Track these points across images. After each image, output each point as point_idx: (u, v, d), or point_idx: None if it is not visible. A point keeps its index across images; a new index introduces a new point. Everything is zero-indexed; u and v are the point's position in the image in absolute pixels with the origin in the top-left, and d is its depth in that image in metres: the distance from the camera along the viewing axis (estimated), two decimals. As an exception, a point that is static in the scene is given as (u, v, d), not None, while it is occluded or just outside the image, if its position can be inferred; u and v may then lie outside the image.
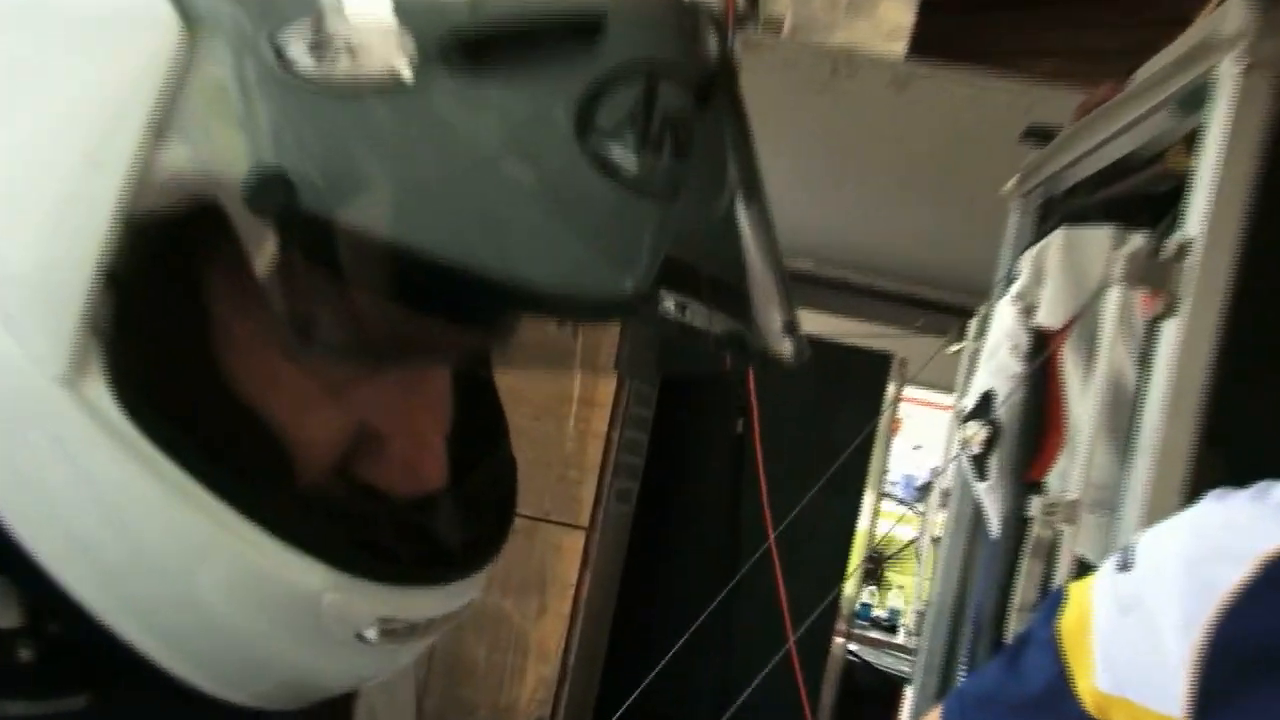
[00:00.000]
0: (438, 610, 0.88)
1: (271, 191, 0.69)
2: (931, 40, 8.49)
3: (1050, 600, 1.60)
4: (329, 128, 0.70)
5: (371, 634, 0.84)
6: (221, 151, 0.71)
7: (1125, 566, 1.47)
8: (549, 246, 0.73)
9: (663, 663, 5.55)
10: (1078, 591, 1.53)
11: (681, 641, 5.60)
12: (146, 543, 0.79)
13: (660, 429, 7.86)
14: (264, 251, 0.74)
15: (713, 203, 0.84)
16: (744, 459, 7.61)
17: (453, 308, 0.81)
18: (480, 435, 0.98)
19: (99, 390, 0.75)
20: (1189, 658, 1.35)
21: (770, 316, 0.88)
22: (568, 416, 6.69)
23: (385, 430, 0.87)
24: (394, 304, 0.79)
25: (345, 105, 0.70)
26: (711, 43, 0.82)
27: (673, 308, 0.80)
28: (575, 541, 6.76)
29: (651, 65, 0.76)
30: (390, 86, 0.69)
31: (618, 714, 5.73)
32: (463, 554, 0.92)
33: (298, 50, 0.69)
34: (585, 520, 6.77)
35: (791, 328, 0.90)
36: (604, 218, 0.74)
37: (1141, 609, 1.41)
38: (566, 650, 6.80)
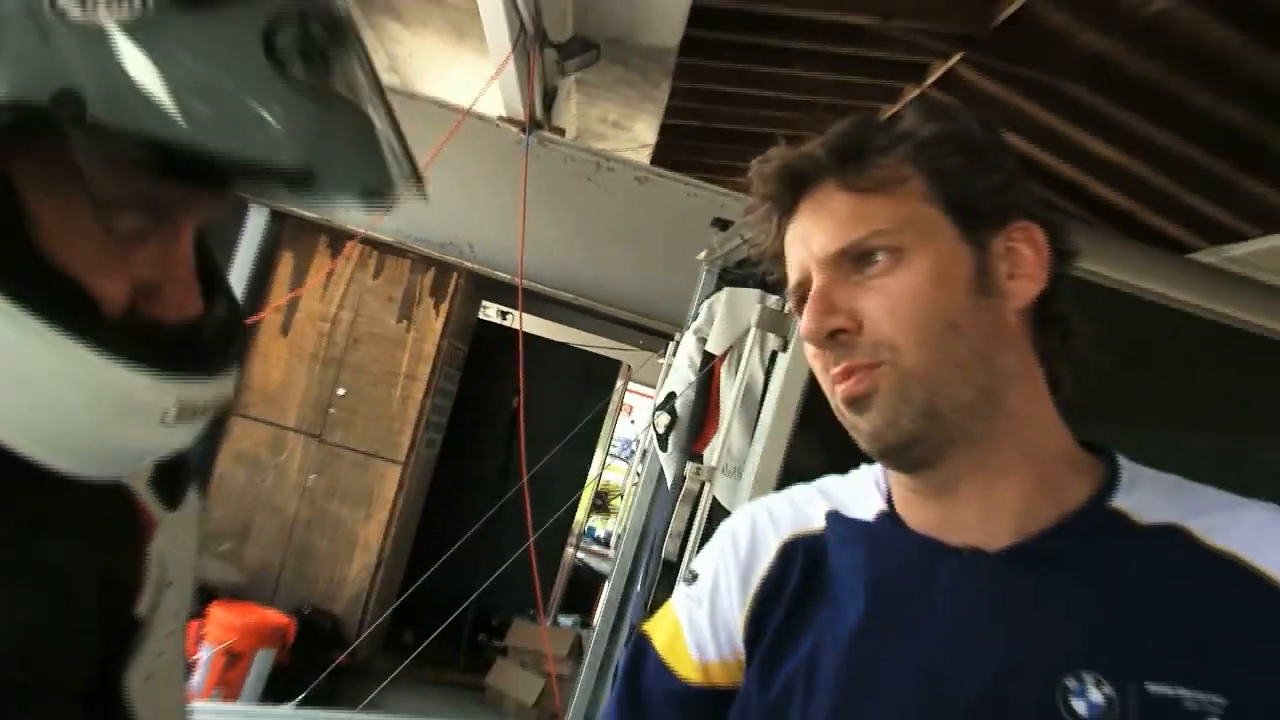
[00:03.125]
0: (211, 395, 0.88)
1: (67, 103, 0.70)
2: (666, 154, 8.61)
3: (629, 650, 1.47)
4: (96, 55, 0.70)
5: (171, 415, 0.85)
6: (21, 82, 0.70)
7: (690, 581, 1.43)
8: (257, 135, 0.76)
9: (445, 556, 5.60)
10: (661, 617, 1.46)
11: (459, 544, 5.65)
12: (21, 376, 0.79)
13: (460, 400, 7.87)
14: (65, 150, 0.75)
15: (354, 95, 0.85)
16: (515, 424, 7.66)
17: (199, 181, 0.82)
18: (210, 283, 0.96)
19: None
20: (742, 617, 1.33)
21: (400, 170, 0.89)
22: (396, 386, 6.71)
23: (157, 279, 0.87)
24: (157, 184, 0.80)
25: (106, 41, 0.71)
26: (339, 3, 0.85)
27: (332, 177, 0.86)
28: (394, 472, 6.82)
29: (300, 10, 0.79)
30: (132, 26, 0.71)
31: (412, 588, 5.77)
32: (220, 357, 0.92)
33: (69, 4, 0.70)
34: (402, 458, 6.85)
35: (417, 185, 0.91)
36: (290, 114, 0.77)
37: (707, 601, 1.38)
38: (383, 545, 6.83)
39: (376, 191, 0.89)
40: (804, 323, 1.20)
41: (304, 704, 5.39)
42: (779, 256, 1.29)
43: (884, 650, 1.21)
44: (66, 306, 0.79)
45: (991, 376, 1.19)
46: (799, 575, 1.31)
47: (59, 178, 0.78)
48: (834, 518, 1.33)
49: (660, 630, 1.44)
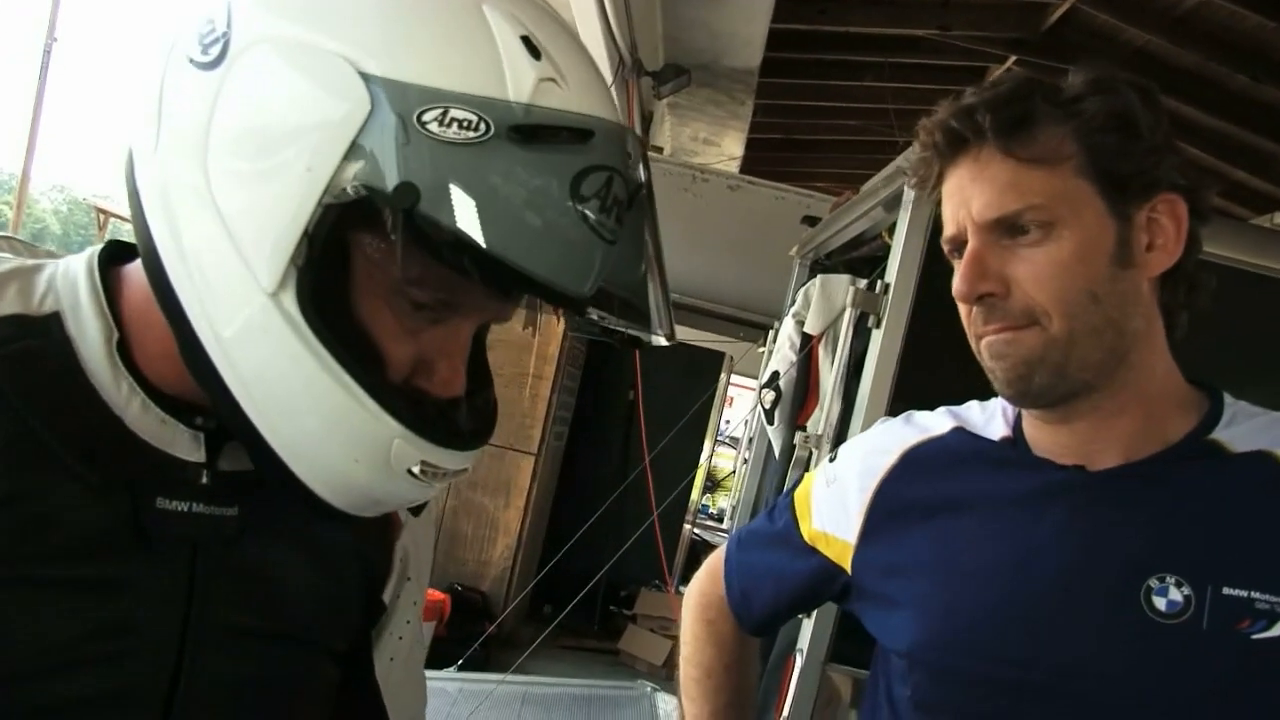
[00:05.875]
0: (453, 464, 0.90)
1: (406, 194, 0.76)
2: (753, 164, 8.64)
3: (792, 482, 1.62)
4: (439, 163, 0.77)
5: (416, 470, 0.87)
6: (380, 171, 0.78)
7: (832, 460, 1.51)
8: (547, 255, 0.80)
9: (578, 535, 5.64)
10: (807, 476, 1.56)
11: (589, 523, 5.70)
12: (301, 397, 0.84)
13: (583, 395, 8.00)
14: (393, 231, 0.79)
15: (636, 253, 0.89)
16: (633, 415, 7.71)
17: (488, 281, 0.83)
18: (479, 376, 0.99)
19: (290, 301, 0.82)
20: (862, 508, 1.40)
21: (659, 322, 0.92)
22: (525, 386, 6.79)
23: (434, 358, 0.90)
24: (456, 275, 0.81)
25: (452, 153, 0.77)
26: (640, 168, 0.88)
27: (603, 311, 0.91)
28: (529, 463, 6.89)
29: (612, 168, 0.82)
30: (474, 147, 0.77)
31: (550, 565, 5.83)
32: (468, 436, 0.93)
33: (430, 121, 0.77)
34: (535, 449, 6.91)
35: (669, 335, 0.94)
36: (578, 245, 0.81)
37: (838, 482, 1.46)
38: (522, 528, 6.93)
39: (634, 334, 0.95)
40: (957, 283, 1.23)
41: (462, 669, 5.50)
42: (936, 200, 1.30)
43: (985, 544, 1.28)
44: (362, 360, 0.85)
45: (1120, 339, 1.21)
46: (915, 479, 1.38)
47: (381, 254, 0.84)
48: (959, 433, 1.38)
49: (801, 487, 1.56)
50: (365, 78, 0.79)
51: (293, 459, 0.87)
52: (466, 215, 0.77)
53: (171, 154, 0.86)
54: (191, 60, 0.85)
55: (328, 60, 0.80)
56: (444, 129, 0.78)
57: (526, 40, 0.82)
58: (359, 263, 0.85)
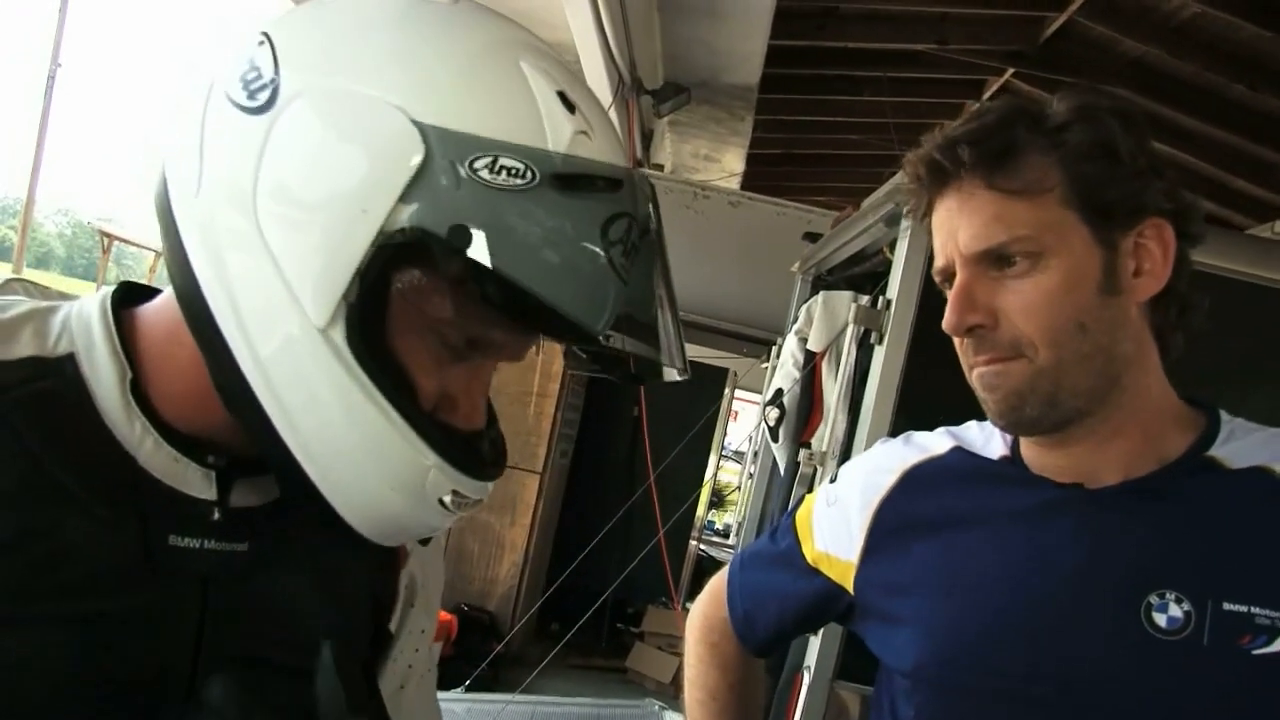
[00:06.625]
0: (477, 494, 0.94)
1: (460, 236, 0.80)
2: (754, 180, 8.65)
3: (794, 504, 1.62)
4: (492, 209, 0.81)
5: (447, 499, 0.92)
6: (434, 213, 0.82)
7: (833, 481, 1.52)
8: (582, 295, 0.84)
9: (584, 553, 5.64)
10: (808, 498, 1.57)
11: (595, 541, 5.70)
12: (344, 427, 0.87)
13: (587, 412, 8.01)
14: (444, 272, 0.85)
15: (646, 292, 0.92)
16: (638, 431, 7.72)
17: (531, 321, 0.89)
18: (487, 413, 1.00)
19: (339, 335, 0.85)
20: (864, 527, 1.40)
21: (672, 357, 0.95)
22: (530, 404, 6.80)
23: (458, 393, 0.93)
24: (497, 314, 0.86)
25: (502, 198, 0.81)
26: (651, 210, 0.92)
27: (623, 348, 0.92)
28: (534, 481, 6.90)
29: (632, 215, 0.87)
30: (522, 193, 0.82)
31: (557, 583, 5.83)
32: (489, 467, 0.96)
33: (482, 168, 0.81)
34: (540, 467, 6.92)
35: (682, 369, 0.97)
36: (605, 286, 0.85)
37: (840, 503, 1.46)
38: (528, 547, 6.93)
39: (648, 365, 0.98)
40: (946, 316, 1.24)
41: (470, 689, 5.48)
42: (929, 227, 1.31)
43: (986, 559, 1.29)
44: (402, 393, 0.88)
45: (1110, 364, 1.22)
46: (916, 497, 1.39)
47: (424, 293, 0.87)
48: (959, 452, 1.40)
49: (803, 508, 1.56)
50: (419, 125, 0.83)
51: (325, 485, 0.90)
52: (518, 257, 0.82)
53: (217, 194, 0.88)
54: (236, 104, 0.88)
55: (382, 108, 0.84)
56: (494, 175, 0.82)
57: (562, 95, 0.87)
58: (400, 301, 0.87)
